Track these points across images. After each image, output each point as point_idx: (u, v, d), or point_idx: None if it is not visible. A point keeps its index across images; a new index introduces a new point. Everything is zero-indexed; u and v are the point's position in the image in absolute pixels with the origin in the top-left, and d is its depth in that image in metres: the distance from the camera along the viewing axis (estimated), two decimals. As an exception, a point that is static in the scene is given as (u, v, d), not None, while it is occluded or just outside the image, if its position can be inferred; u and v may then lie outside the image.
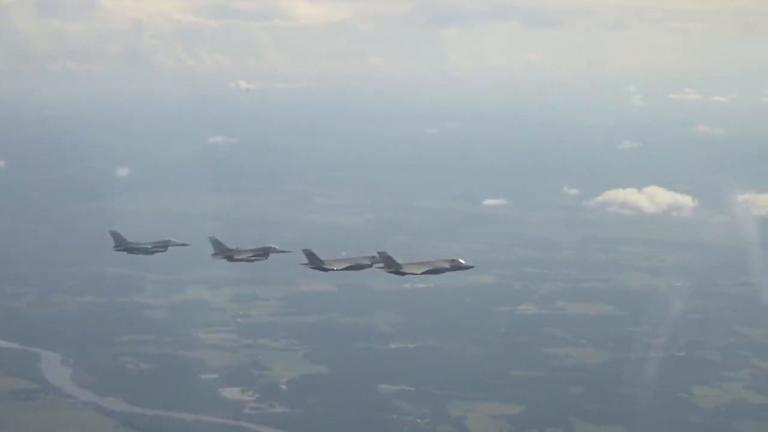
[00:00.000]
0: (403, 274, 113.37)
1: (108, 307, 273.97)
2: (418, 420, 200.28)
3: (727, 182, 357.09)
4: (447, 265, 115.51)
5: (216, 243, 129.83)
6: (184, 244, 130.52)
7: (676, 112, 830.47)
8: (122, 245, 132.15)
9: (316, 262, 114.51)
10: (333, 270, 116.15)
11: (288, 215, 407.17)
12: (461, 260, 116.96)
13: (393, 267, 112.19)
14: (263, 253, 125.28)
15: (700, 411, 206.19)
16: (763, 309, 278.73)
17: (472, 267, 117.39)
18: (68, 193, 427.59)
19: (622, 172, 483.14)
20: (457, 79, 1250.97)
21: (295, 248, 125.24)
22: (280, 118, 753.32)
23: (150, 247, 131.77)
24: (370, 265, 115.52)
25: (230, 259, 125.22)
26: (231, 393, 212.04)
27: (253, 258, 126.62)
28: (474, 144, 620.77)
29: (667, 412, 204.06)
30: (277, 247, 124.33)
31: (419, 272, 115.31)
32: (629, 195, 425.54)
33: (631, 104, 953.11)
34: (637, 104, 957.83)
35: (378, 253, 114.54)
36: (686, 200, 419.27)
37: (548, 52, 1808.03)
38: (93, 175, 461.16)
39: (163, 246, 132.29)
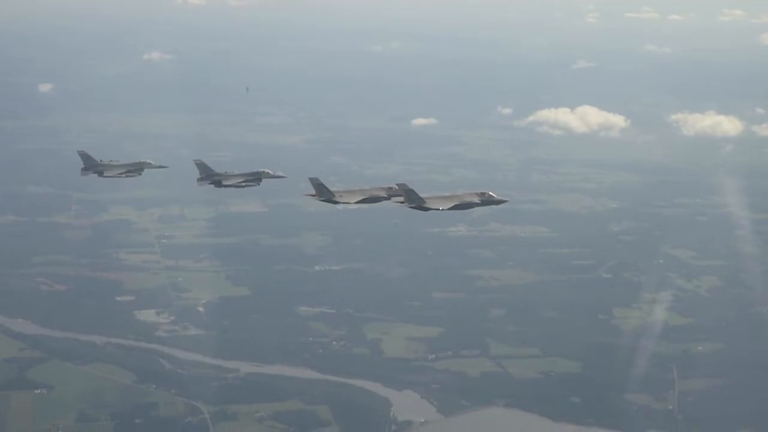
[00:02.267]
0: (426, 209, 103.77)
1: (27, 227, 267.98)
2: (334, 342, 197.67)
3: (661, 102, 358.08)
4: (476, 200, 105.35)
5: (202, 166, 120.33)
6: (162, 167, 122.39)
7: (631, 30, 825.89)
8: (92, 167, 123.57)
9: (324, 194, 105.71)
10: (345, 204, 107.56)
11: (226, 134, 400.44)
12: (492, 193, 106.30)
13: (415, 201, 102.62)
14: (255, 178, 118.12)
15: (618, 332, 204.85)
16: (694, 230, 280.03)
17: (505, 201, 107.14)
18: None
19: (567, 92, 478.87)
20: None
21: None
22: (227, 35, 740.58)
23: (123, 172, 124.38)
24: (387, 198, 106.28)
25: (218, 185, 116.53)
26: (146, 315, 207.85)
27: (244, 184, 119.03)
28: (416, 63, 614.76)
29: (583, 334, 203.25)
30: (270, 172, 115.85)
31: (445, 208, 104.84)
32: (560, 115, 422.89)
33: (587, 23, 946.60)
34: (592, 22, 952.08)
35: (397, 185, 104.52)
36: (618, 120, 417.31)
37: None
38: (15, 92, 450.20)
39: (137, 169, 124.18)
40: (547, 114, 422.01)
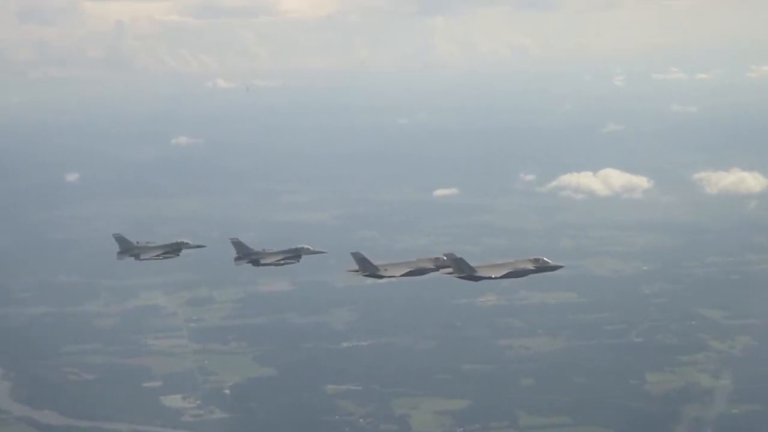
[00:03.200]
0: (478, 278, 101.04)
1: (58, 318, 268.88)
2: (361, 420, 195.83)
3: (686, 161, 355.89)
4: (531, 266, 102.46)
5: (239, 245, 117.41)
6: (199, 246, 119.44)
7: (656, 92, 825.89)
8: (128, 250, 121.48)
9: (368, 268, 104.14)
10: (390, 278, 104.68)
11: (252, 214, 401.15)
12: (547, 259, 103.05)
13: (465, 271, 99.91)
14: (294, 255, 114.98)
15: (650, 397, 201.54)
16: (727, 289, 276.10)
17: (561, 267, 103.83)
18: (27, 202, 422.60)
19: (593, 156, 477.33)
20: (441, 67, 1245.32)
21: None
22: (255, 115, 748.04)
23: (161, 254, 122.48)
24: (435, 270, 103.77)
25: (256, 263, 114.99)
26: (172, 400, 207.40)
27: (283, 261, 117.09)
28: (440, 134, 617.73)
29: (615, 400, 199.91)
30: (310, 248, 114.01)
31: (497, 276, 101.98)
32: (582, 179, 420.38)
33: (614, 85, 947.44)
34: (618, 85, 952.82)
35: (445, 255, 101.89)
36: (641, 181, 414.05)
37: (539, 35, 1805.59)
38: (44, 182, 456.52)
39: (175, 250, 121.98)
40: (569, 178, 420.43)
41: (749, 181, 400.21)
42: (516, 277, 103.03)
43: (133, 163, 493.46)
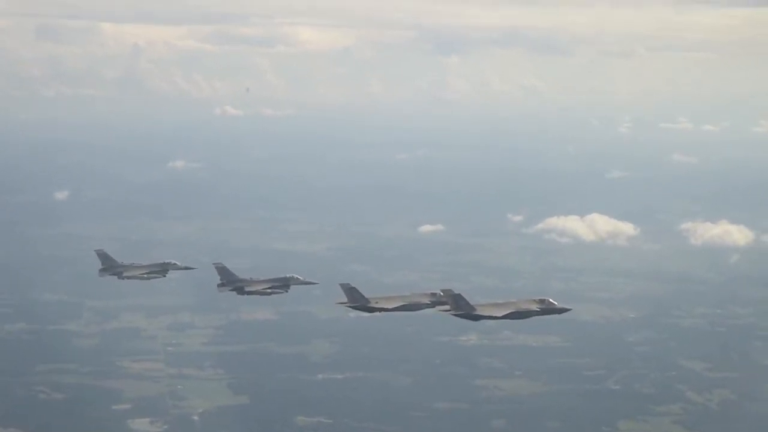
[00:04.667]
0: (477, 318, 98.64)
1: (36, 335, 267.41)
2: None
3: (677, 211, 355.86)
4: (535, 307, 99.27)
5: (223, 271, 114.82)
6: (188, 268, 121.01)
7: (661, 140, 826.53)
8: (111, 269, 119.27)
9: (357, 300, 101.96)
10: (381, 311, 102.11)
11: (248, 242, 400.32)
12: (553, 301, 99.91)
13: (463, 309, 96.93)
14: (283, 284, 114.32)
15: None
16: (711, 341, 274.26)
17: (568, 310, 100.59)
18: (21, 218, 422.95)
19: (583, 200, 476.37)
20: (452, 105, 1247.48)
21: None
22: (261, 144, 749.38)
23: (146, 273, 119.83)
24: (431, 306, 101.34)
25: (240, 291, 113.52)
26: (139, 424, 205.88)
27: (270, 290, 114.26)
28: (436, 169, 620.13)
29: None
30: (300, 278, 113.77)
31: (498, 316, 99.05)
32: (569, 222, 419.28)
33: (618, 132, 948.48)
34: (624, 132, 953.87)
35: (442, 291, 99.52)
36: (627, 228, 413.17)
37: (551, 79, 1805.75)
38: (40, 199, 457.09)
39: (161, 270, 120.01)
40: (556, 221, 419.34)
41: (734, 234, 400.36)
42: (519, 318, 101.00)
43: (128, 184, 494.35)
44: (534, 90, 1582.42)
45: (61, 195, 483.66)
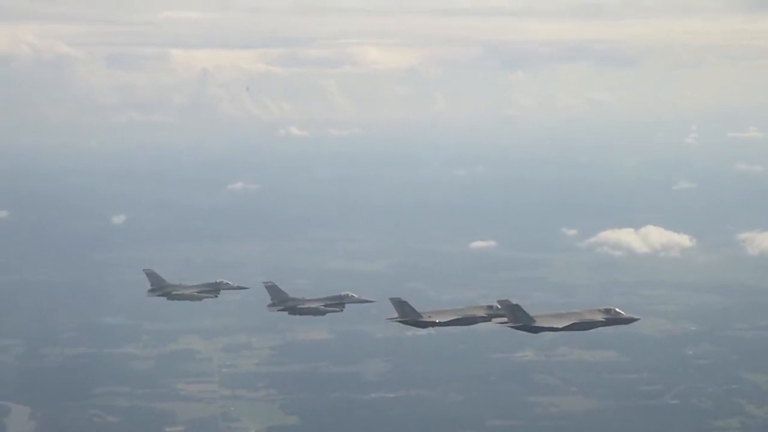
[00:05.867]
0: (537, 330, 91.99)
1: (95, 359, 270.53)
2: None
3: (735, 221, 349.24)
4: (600, 318, 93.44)
5: (274, 290, 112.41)
6: (241, 288, 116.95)
7: (727, 150, 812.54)
8: (160, 289, 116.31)
9: (409, 314, 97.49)
10: (434, 325, 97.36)
11: (308, 262, 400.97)
12: (620, 310, 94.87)
13: (521, 320, 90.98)
14: (337, 303, 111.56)
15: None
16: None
17: (636, 320, 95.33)
18: (84, 242, 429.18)
19: (632, 212, 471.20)
20: (517, 121, 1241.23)
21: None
22: (322, 164, 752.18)
23: (196, 292, 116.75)
24: (487, 319, 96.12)
25: (293, 311, 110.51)
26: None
27: (323, 308, 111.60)
28: (494, 186, 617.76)
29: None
30: (355, 296, 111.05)
31: (560, 327, 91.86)
32: (622, 235, 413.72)
33: (684, 143, 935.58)
34: (690, 143, 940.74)
35: (499, 302, 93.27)
36: (682, 239, 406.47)
37: (619, 91, 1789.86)
38: (101, 225, 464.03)
39: (212, 290, 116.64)
40: (609, 235, 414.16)
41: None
42: (582, 329, 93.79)
43: (190, 208, 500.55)
44: (601, 103, 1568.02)
45: (118, 219, 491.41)
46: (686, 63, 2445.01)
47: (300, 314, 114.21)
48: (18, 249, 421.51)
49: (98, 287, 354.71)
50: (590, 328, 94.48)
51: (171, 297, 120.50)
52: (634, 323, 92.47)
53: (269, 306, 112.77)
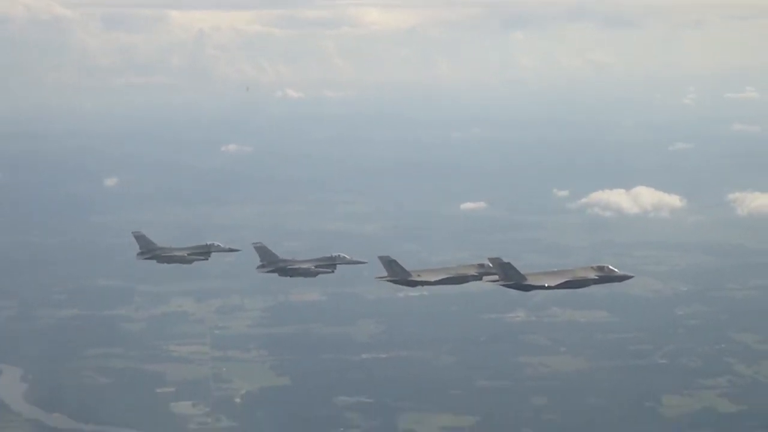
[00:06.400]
0: (528, 288, 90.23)
1: (87, 321, 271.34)
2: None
3: (729, 181, 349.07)
4: (593, 275, 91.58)
5: (263, 251, 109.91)
6: (232, 250, 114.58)
7: (724, 111, 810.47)
8: (149, 251, 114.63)
9: (398, 273, 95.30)
10: (424, 284, 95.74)
11: (303, 224, 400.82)
12: (613, 267, 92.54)
13: (513, 278, 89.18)
14: (329, 264, 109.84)
15: (662, 421, 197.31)
16: (763, 314, 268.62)
17: (630, 277, 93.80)
18: (78, 205, 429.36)
19: (626, 173, 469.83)
20: (518, 82, 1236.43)
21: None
22: (318, 126, 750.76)
23: (186, 254, 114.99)
24: (478, 277, 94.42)
25: (283, 272, 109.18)
26: (182, 407, 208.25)
27: (314, 270, 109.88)
28: (490, 148, 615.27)
29: (625, 423, 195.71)
30: (347, 257, 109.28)
31: (552, 285, 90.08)
32: (613, 196, 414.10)
33: (682, 104, 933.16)
34: (687, 104, 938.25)
35: (490, 260, 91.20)
36: (673, 200, 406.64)
37: (621, 52, 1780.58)
38: (94, 187, 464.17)
39: (203, 252, 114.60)
40: (600, 195, 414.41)
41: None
42: (575, 287, 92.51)
43: (184, 170, 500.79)
44: (602, 64, 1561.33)
45: (111, 182, 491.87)
46: (689, 23, 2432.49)
47: (290, 275, 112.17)
48: (11, 210, 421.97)
49: (92, 249, 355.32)
50: (583, 286, 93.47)
51: (161, 260, 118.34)
52: (627, 282, 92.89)
53: (259, 267, 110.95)
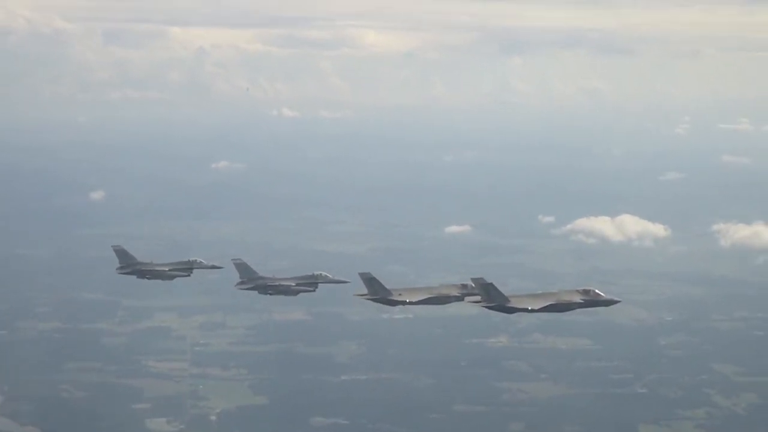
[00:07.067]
0: (512, 310, 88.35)
1: (68, 334, 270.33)
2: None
3: (714, 212, 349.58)
4: (578, 299, 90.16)
5: (243, 268, 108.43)
6: (215, 267, 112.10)
7: (716, 142, 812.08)
8: (129, 266, 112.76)
9: (378, 291, 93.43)
10: (404, 303, 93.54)
11: (291, 243, 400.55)
12: (599, 291, 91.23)
13: (495, 300, 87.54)
14: (310, 282, 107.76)
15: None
16: (747, 345, 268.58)
17: (617, 302, 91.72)
18: (60, 219, 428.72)
19: (617, 201, 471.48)
20: (513, 107, 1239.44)
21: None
22: (312, 145, 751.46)
23: (168, 270, 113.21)
24: (460, 298, 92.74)
25: (263, 290, 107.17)
26: (156, 424, 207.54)
27: (295, 287, 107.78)
28: (480, 172, 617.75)
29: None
30: (329, 276, 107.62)
31: (536, 308, 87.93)
32: (597, 223, 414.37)
33: (675, 134, 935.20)
34: (680, 133, 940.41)
35: (473, 280, 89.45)
36: (657, 229, 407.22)
37: (615, 80, 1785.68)
38: (83, 201, 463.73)
39: (185, 268, 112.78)
40: (585, 222, 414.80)
41: (765, 235, 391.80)
42: (559, 311, 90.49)
43: (174, 185, 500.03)
44: (595, 91, 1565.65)
45: (97, 195, 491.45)
46: (684, 53, 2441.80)
47: (270, 293, 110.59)
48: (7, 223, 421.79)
49: (78, 263, 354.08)
50: (568, 310, 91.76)
51: (141, 275, 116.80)
52: (612, 310, 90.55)
53: (238, 284, 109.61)
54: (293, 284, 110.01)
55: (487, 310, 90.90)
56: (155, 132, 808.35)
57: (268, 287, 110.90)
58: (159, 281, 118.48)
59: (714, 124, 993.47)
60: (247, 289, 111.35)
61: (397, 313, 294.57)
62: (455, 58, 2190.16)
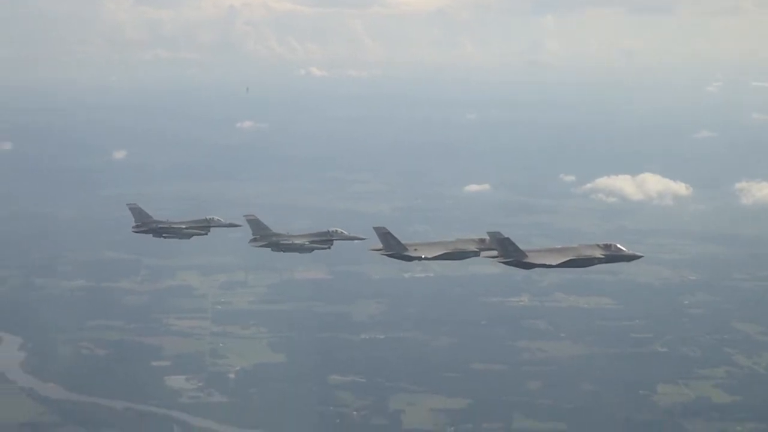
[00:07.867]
0: (530, 266, 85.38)
1: (91, 292, 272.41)
2: (354, 412, 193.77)
3: (739, 171, 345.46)
4: (599, 254, 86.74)
5: (255, 224, 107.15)
6: (232, 225, 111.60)
7: (747, 100, 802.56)
8: (145, 224, 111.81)
9: (393, 247, 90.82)
10: (420, 259, 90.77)
11: (313, 202, 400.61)
12: (622, 246, 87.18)
13: (513, 255, 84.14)
14: (324, 239, 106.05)
15: (654, 410, 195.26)
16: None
17: (639, 257, 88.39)
18: (84, 179, 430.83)
19: (641, 159, 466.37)
20: (545, 66, 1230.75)
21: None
22: (338, 104, 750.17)
23: (184, 228, 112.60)
24: (476, 253, 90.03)
25: (276, 247, 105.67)
26: (175, 381, 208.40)
27: (308, 244, 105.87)
28: (502, 129, 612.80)
29: (617, 410, 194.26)
30: (344, 232, 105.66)
31: (554, 264, 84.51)
32: (618, 182, 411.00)
33: (706, 92, 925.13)
34: (711, 92, 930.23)
35: (489, 234, 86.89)
36: (679, 188, 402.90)
37: (651, 39, 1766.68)
38: (107, 162, 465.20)
39: (202, 227, 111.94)
40: (606, 181, 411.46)
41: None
42: (579, 266, 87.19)
43: (200, 145, 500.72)
44: (630, 50, 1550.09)
45: (119, 155, 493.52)
46: (722, 10, 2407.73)
47: (283, 251, 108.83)
48: (20, 181, 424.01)
49: (101, 222, 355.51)
50: (589, 265, 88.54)
51: (157, 233, 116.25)
52: (635, 269, 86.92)
53: (251, 241, 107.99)
54: (307, 242, 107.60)
55: (505, 266, 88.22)
56: (184, 92, 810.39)
57: (281, 245, 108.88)
58: (177, 240, 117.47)
59: (747, 82, 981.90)
60: (261, 246, 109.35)
61: (417, 272, 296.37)
62: (486, 16, 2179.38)
